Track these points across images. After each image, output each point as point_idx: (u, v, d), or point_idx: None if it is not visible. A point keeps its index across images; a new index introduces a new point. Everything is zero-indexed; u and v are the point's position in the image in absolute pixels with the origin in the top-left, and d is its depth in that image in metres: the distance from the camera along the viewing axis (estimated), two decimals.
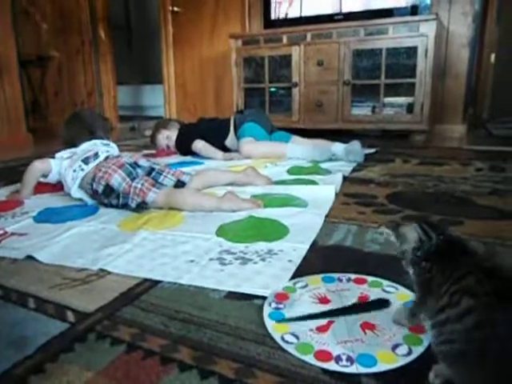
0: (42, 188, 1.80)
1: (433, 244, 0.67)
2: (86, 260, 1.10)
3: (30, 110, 3.78)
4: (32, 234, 1.31)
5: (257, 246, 1.17)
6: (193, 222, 1.38)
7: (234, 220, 1.38)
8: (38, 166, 1.71)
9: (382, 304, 0.83)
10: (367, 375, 0.66)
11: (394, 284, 0.92)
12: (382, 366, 0.67)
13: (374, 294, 0.90)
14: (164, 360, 0.71)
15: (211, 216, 1.42)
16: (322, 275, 0.98)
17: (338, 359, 0.69)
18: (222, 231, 1.28)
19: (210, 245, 1.19)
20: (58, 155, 1.73)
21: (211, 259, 1.09)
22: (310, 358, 0.70)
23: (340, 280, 0.96)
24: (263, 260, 1.07)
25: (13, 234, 1.32)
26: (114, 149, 1.76)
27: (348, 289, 0.92)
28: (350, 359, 0.69)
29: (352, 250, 1.15)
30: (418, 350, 0.70)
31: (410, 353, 0.70)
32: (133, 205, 1.46)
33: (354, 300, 0.87)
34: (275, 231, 1.27)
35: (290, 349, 0.72)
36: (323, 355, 0.70)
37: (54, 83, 4.17)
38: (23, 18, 3.79)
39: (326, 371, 0.67)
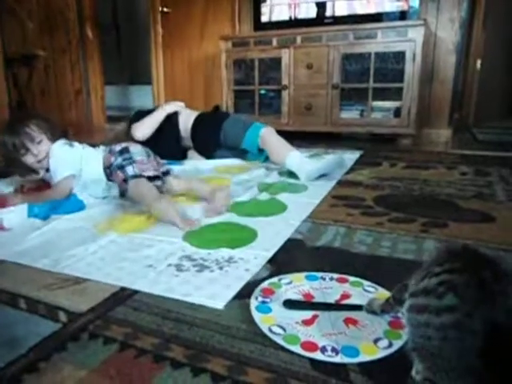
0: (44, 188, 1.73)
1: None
2: (49, 260, 1.12)
3: (15, 109, 3.73)
4: (15, 230, 1.35)
5: (219, 252, 1.17)
6: (164, 225, 1.37)
7: (205, 224, 1.38)
8: (67, 190, 1.62)
9: (356, 308, 0.86)
10: (355, 371, 0.68)
11: (373, 284, 0.95)
12: (364, 357, 0.71)
13: (355, 293, 0.93)
14: (157, 358, 0.72)
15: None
16: (305, 273, 1.01)
17: (323, 350, 0.73)
18: (189, 235, 1.29)
19: (173, 249, 1.19)
20: (59, 146, 1.65)
21: (169, 265, 1.09)
22: (296, 348, 0.73)
23: (323, 278, 0.99)
24: (221, 268, 1.06)
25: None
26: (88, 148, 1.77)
27: (331, 287, 0.96)
28: (334, 350, 0.73)
29: (340, 250, 1.17)
30: (397, 344, 0.74)
31: (390, 345, 0.74)
32: (129, 172, 1.51)
33: (337, 297, 0.91)
34: (242, 237, 1.27)
35: (278, 339, 0.76)
36: (309, 346, 0.74)
37: (41, 83, 4.12)
38: (8, 16, 3.74)
39: (315, 367, 0.69)
